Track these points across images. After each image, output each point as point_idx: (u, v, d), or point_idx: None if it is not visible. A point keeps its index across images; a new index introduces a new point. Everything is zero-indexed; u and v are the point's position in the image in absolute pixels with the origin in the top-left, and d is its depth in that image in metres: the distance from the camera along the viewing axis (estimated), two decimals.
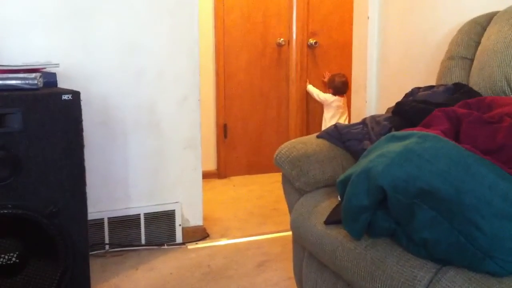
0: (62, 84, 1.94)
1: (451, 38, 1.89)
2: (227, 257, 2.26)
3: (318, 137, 1.62)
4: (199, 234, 2.47)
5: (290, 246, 1.78)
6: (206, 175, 3.08)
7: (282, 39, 3.73)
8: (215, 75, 3.63)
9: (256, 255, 2.28)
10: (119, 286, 1.99)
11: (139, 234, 2.34)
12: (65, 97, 1.61)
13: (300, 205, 1.52)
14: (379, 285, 1.10)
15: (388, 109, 1.74)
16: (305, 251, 1.55)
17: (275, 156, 1.61)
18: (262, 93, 3.77)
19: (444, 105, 1.45)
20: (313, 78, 3.86)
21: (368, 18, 2.60)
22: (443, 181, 1.00)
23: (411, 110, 1.50)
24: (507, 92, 1.58)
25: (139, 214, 2.33)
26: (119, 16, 2.19)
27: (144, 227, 2.35)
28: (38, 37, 2.08)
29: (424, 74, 2.28)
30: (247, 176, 3.76)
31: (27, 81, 1.61)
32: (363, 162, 1.15)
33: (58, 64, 1.88)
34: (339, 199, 1.28)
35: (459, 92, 1.61)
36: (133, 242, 2.34)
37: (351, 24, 2.78)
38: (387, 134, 1.23)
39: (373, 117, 1.62)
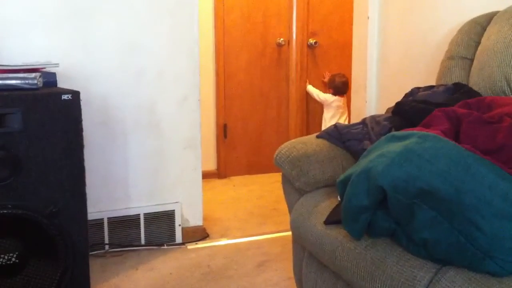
0: (62, 84, 1.94)
1: (451, 38, 1.89)
2: (227, 257, 2.26)
3: (318, 137, 1.62)
4: (199, 234, 2.47)
5: (290, 246, 1.78)
6: (206, 175, 3.08)
7: (282, 39, 3.73)
8: (215, 75, 3.63)
9: (256, 255, 2.28)
10: (119, 286, 1.99)
11: (139, 234, 2.34)
12: (64, 97, 1.61)
13: (300, 205, 1.51)
14: (379, 285, 1.10)
15: (388, 109, 1.74)
16: (305, 251, 1.55)
17: (275, 156, 1.61)
18: (262, 93, 3.77)
19: (444, 105, 1.45)
20: (313, 78, 3.86)
21: (368, 18, 2.60)
22: (443, 181, 1.00)
23: (411, 110, 1.50)
24: (507, 92, 1.58)
25: (139, 214, 2.33)
26: (119, 16, 2.19)
27: (144, 227, 2.35)
28: (38, 37, 2.07)
29: (424, 74, 2.28)
30: (247, 176, 3.75)
31: (26, 81, 1.61)
32: (363, 162, 1.15)
33: (57, 64, 1.88)
34: (339, 199, 1.28)
35: (459, 92, 1.61)
36: (133, 242, 2.34)
37: (351, 24, 2.78)
38: (387, 134, 1.23)
39: (373, 117, 1.62)
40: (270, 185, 3.44)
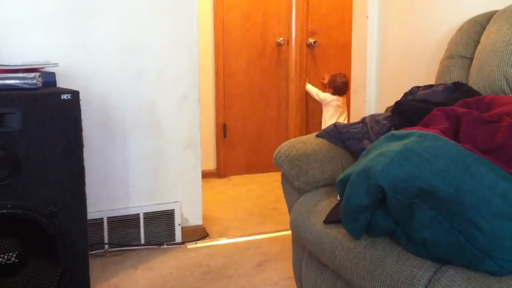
0: (62, 84, 1.94)
1: (451, 37, 1.89)
2: (226, 256, 2.26)
3: (317, 136, 1.62)
4: (198, 233, 2.47)
5: (289, 246, 1.78)
6: (206, 175, 3.09)
7: (281, 39, 3.73)
8: (215, 74, 3.63)
9: (255, 254, 2.28)
10: (118, 285, 1.99)
11: (139, 233, 2.34)
12: (64, 96, 1.60)
13: (299, 204, 1.52)
14: (379, 284, 1.10)
15: (388, 108, 1.74)
16: (304, 251, 1.55)
17: (274, 155, 1.61)
18: (261, 92, 3.77)
19: (443, 104, 1.45)
20: (313, 78, 3.86)
21: (367, 17, 2.60)
22: (442, 181, 1.00)
23: (410, 109, 1.50)
24: (506, 91, 1.58)
25: (139, 214, 2.33)
26: (119, 16, 2.19)
27: (144, 226, 2.35)
28: (38, 37, 2.07)
29: (424, 73, 2.28)
30: (246, 176, 3.76)
31: (26, 81, 1.61)
32: (362, 162, 1.15)
33: (57, 63, 1.88)
34: (339, 198, 1.28)
35: (458, 91, 1.61)
36: (133, 241, 2.34)
37: (351, 23, 2.78)
38: (387, 133, 1.23)
39: (372, 116, 1.62)
40: (270, 184, 3.44)
